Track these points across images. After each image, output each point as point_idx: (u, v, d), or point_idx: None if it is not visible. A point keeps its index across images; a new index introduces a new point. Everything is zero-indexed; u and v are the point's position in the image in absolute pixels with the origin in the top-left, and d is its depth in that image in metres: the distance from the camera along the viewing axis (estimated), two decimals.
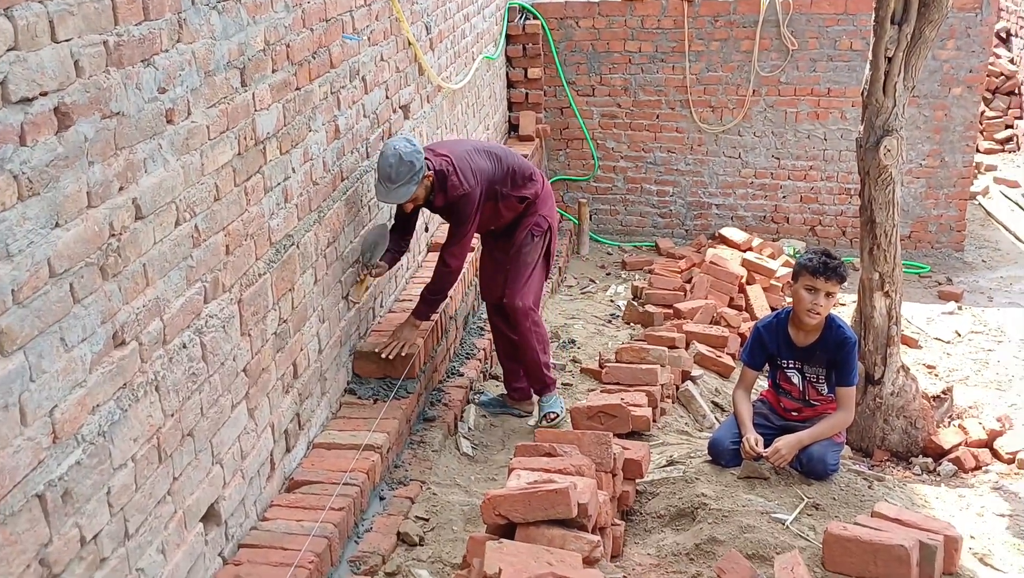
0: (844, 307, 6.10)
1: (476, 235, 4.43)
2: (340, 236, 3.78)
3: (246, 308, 2.91)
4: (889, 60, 4.07)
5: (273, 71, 3.11)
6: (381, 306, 4.40)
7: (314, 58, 3.47)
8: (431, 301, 4.14)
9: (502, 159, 4.30)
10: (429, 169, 3.91)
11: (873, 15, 4.12)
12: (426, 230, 5.31)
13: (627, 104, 7.80)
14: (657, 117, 7.81)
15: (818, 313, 3.58)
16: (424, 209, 4.31)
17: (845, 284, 3.73)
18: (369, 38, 4.12)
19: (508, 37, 7.52)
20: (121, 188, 2.25)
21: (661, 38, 7.59)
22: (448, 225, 4.22)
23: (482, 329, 5.08)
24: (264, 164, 3.06)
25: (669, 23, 7.54)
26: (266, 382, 3.08)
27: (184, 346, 2.53)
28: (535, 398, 4.54)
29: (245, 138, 2.91)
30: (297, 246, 3.32)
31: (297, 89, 3.32)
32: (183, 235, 2.55)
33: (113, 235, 2.21)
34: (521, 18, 7.61)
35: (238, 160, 2.87)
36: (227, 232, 2.80)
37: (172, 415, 2.48)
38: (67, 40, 2.02)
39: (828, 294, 3.57)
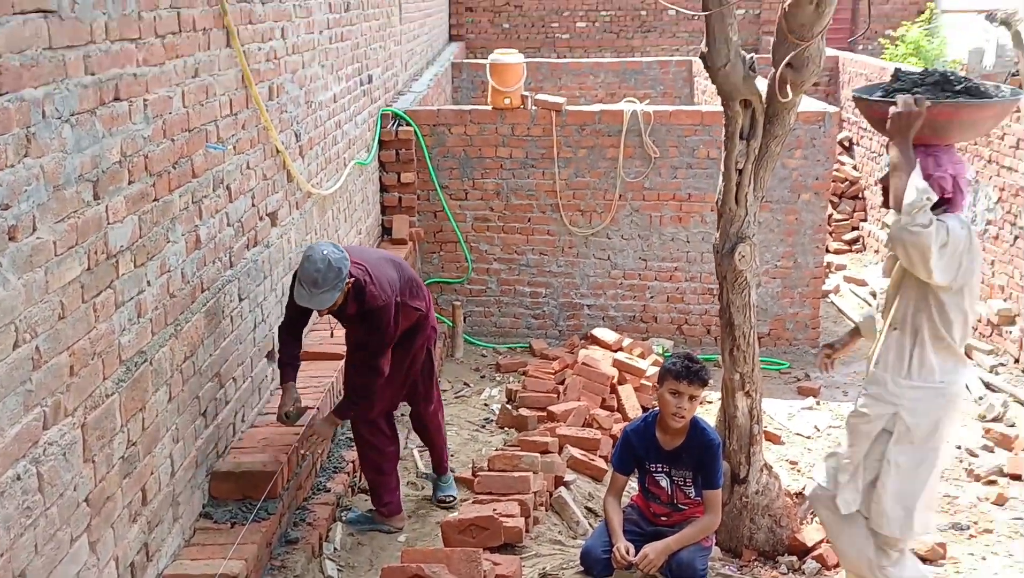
0: (712, 404, 6.25)
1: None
2: (199, 349, 3.65)
3: (90, 432, 2.75)
4: (740, 172, 4.29)
5: (130, 183, 3.03)
6: (243, 421, 4.24)
7: (175, 168, 3.40)
8: (356, 403, 4.18)
9: (403, 269, 4.35)
10: (349, 277, 3.90)
11: (724, 130, 4.35)
12: (331, 335, 5.24)
13: (499, 208, 7.94)
14: (529, 220, 7.97)
15: (682, 416, 3.66)
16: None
17: (708, 386, 3.82)
18: (235, 147, 4.08)
19: (381, 143, 7.59)
20: None
21: (531, 145, 7.81)
22: (351, 333, 4.24)
23: (350, 440, 4.96)
24: (116, 278, 2.94)
25: (538, 131, 7.78)
26: (111, 511, 2.89)
27: (18, 478, 2.36)
28: (433, 478, 4.80)
29: (96, 252, 2.80)
30: (150, 363, 3.18)
31: (155, 200, 3.24)
32: (22, 357, 2.40)
33: None
34: (394, 124, 7.71)
35: (87, 275, 2.75)
36: (72, 352, 2.66)
37: (1, 555, 2.29)
38: None
39: (691, 397, 3.66)
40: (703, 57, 4.09)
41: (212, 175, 3.79)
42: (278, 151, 4.65)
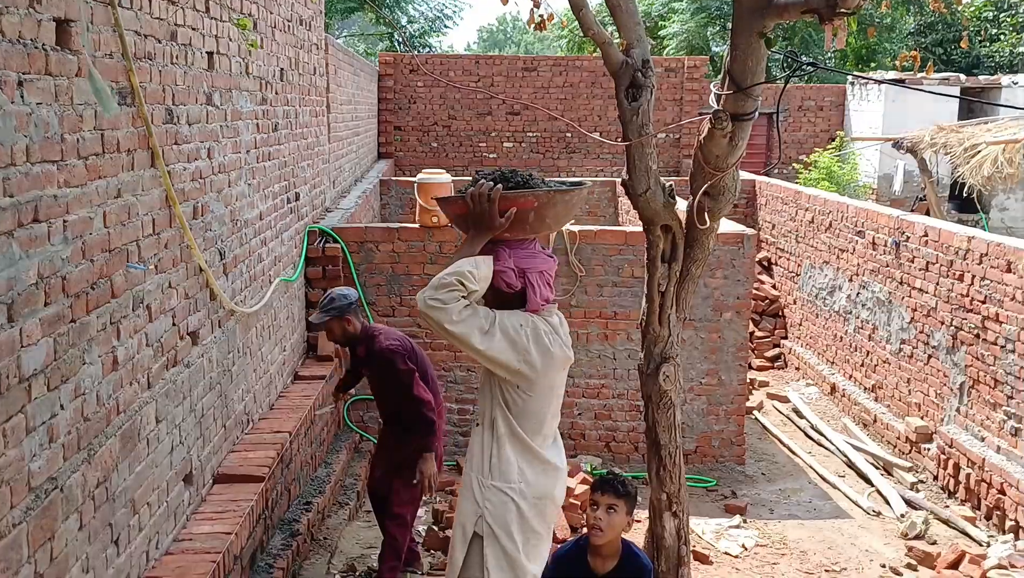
0: (640, 523, 6.21)
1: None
2: (112, 474, 3.51)
3: None
4: (662, 294, 4.39)
5: (45, 304, 2.96)
6: (157, 548, 4.05)
7: (93, 289, 3.34)
8: (427, 432, 4.98)
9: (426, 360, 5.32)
10: (353, 319, 5.16)
11: (646, 254, 4.47)
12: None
13: (426, 325, 7.93)
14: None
15: (600, 529, 3.61)
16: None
17: (627, 499, 3.65)
18: (157, 266, 4.03)
19: (308, 259, 7.58)
20: None
21: None
22: (372, 385, 5.33)
23: (271, 567, 4.77)
24: (28, 402, 2.84)
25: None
26: None
27: None
28: None
29: (7, 376, 2.71)
30: (61, 490, 3.04)
31: (72, 322, 3.16)
32: None
33: None
34: (321, 241, 7.73)
35: None
36: None
37: None
38: None
39: (608, 508, 3.61)
40: (624, 185, 4.23)
41: (132, 295, 3.73)
42: (201, 269, 4.60)
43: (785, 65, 16.30)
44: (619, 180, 4.36)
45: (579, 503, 6.54)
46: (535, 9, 3.92)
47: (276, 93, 6.50)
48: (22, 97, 2.79)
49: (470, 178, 3.33)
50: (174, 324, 4.28)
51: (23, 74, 2.80)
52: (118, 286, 3.58)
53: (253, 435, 5.58)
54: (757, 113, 3.90)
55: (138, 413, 3.82)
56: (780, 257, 12.29)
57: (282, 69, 6.73)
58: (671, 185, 4.27)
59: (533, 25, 4.01)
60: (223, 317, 5.09)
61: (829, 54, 22.68)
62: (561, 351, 3.33)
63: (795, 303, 11.65)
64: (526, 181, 3.30)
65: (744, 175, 14.08)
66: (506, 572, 3.28)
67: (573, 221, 3.66)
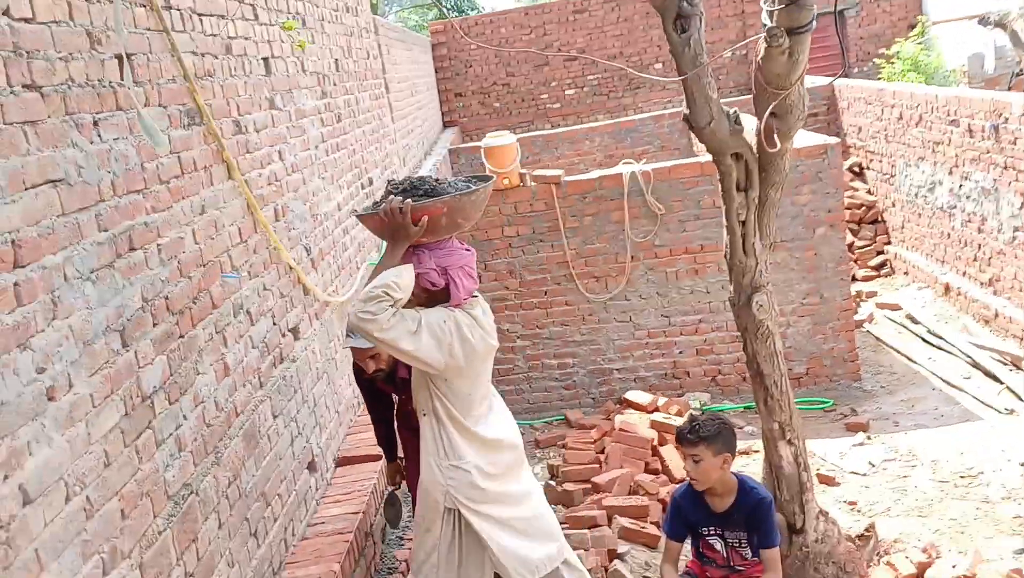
0: (758, 453, 6.20)
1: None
2: (241, 472, 3.71)
3: (148, 571, 2.80)
4: (743, 223, 4.35)
5: (154, 325, 3.13)
6: (293, 535, 4.27)
7: (195, 304, 3.51)
8: None
9: None
10: None
11: (719, 184, 4.43)
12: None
13: (514, 286, 8.03)
14: (545, 294, 8.05)
15: (695, 478, 3.66)
16: None
17: (708, 443, 3.64)
18: (249, 272, 4.19)
19: None
20: (6, 477, 2.20)
21: (536, 220, 7.94)
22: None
23: (400, 539, 4.96)
24: (153, 418, 3.02)
25: (541, 205, 7.92)
26: None
27: None
28: None
29: (131, 397, 2.89)
30: (196, 493, 3.24)
31: (181, 337, 3.33)
32: (74, 510, 2.47)
33: (1, 527, 2.14)
34: None
35: (126, 421, 2.83)
36: (121, 496, 2.73)
37: None
38: None
39: (693, 457, 3.64)
40: (686, 119, 4.19)
41: (231, 303, 3.90)
42: (291, 268, 4.76)
43: None
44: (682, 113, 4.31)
45: None
46: None
47: (334, 84, 6.61)
48: (99, 136, 2.93)
49: (397, 196, 3.38)
50: (275, 324, 4.45)
51: (96, 114, 2.93)
52: (217, 297, 3.75)
53: (364, 416, 5.77)
54: (815, 23, 3.80)
55: (255, 412, 4.01)
56: (872, 160, 11.88)
57: (336, 60, 6.83)
58: (735, 112, 4.21)
59: None
60: (319, 309, 5.27)
61: None
62: (483, 341, 3.51)
63: (894, 205, 11.28)
64: (434, 189, 3.46)
65: (821, 80, 13.62)
66: (497, 528, 3.52)
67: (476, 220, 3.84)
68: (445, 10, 24.54)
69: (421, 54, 14.69)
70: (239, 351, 3.92)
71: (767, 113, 4.00)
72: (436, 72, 16.65)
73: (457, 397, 3.52)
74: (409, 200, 3.35)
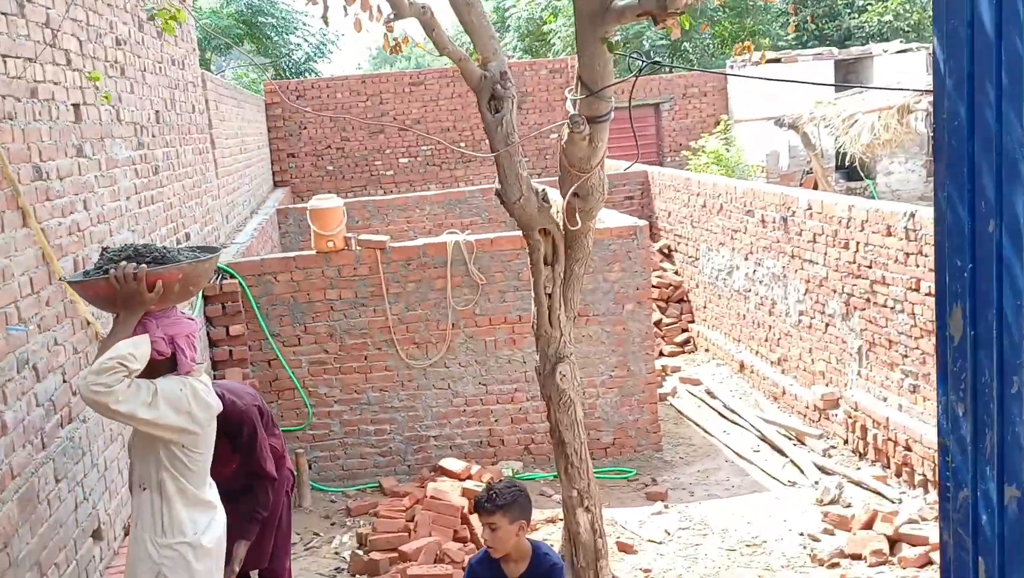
0: (557, 522, 6.33)
1: None
2: (13, 539, 3.46)
3: None
4: (549, 296, 4.52)
5: None
6: None
7: None
8: (259, 518, 4.25)
9: (262, 402, 4.47)
10: None
11: (528, 258, 4.59)
12: None
13: (334, 349, 7.94)
14: (366, 359, 8.00)
15: (492, 546, 3.72)
16: None
17: (504, 511, 3.63)
18: (40, 325, 3.98)
19: (205, 297, 7.51)
20: None
21: (359, 284, 7.91)
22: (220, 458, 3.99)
23: None
24: None
25: (365, 270, 7.91)
26: None
27: None
28: None
29: None
30: None
31: None
32: None
33: None
34: (217, 278, 7.65)
35: None
36: None
37: None
38: None
39: (490, 526, 3.69)
40: (498, 194, 4.35)
41: (15, 357, 3.68)
42: (88, 322, 4.55)
43: (629, 66, 16.70)
44: (494, 188, 4.47)
45: None
46: (388, 34, 4.01)
47: (153, 136, 6.44)
48: None
49: (127, 262, 3.27)
50: (64, 381, 4.23)
51: None
52: (0, 350, 3.54)
53: None
54: (612, 115, 4.06)
55: (35, 474, 3.76)
56: (679, 243, 12.62)
57: (157, 111, 6.67)
58: (544, 190, 4.40)
59: (389, 48, 4.11)
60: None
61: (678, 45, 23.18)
62: (218, 404, 3.53)
63: (697, 287, 11.98)
64: (164, 256, 3.43)
65: (637, 166, 14.39)
66: None
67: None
68: (283, 72, 24.41)
69: (254, 112, 14.51)
70: (20, 409, 3.70)
71: (570, 193, 4.21)
72: (269, 131, 16.46)
73: (195, 466, 3.44)
74: (144, 265, 3.26)
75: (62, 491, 4.05)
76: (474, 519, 6.37)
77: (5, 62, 3.92)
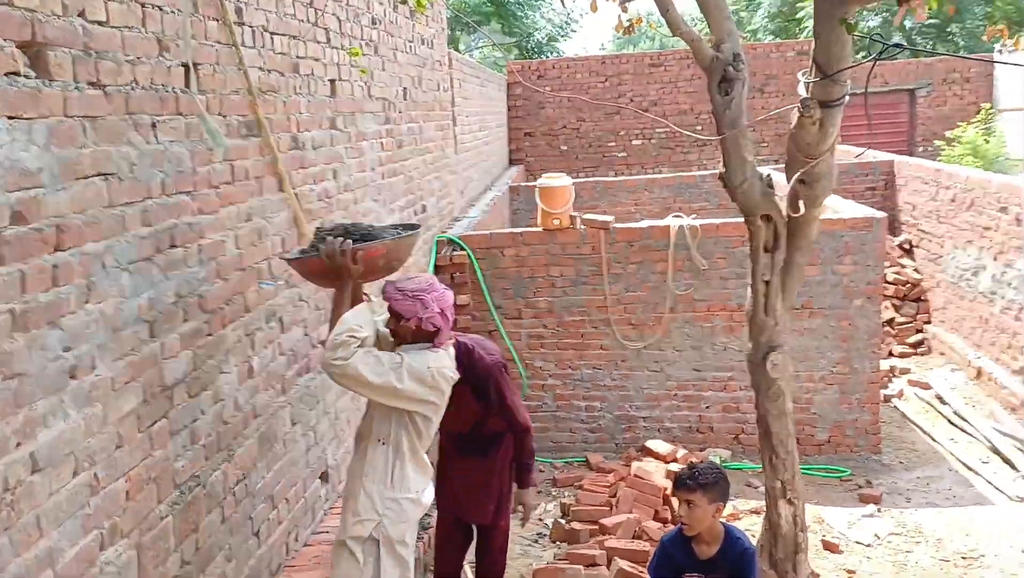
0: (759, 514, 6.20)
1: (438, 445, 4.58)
2: (252, 472, 3.88)
3: (145, 553, 2.97)
4: (766, 283, 4.43)
5: (184, 321, 3.33)
6: (296, 540, 4.42)
7: (228, 305, 3.70)
8: (532, 465, 4.53)
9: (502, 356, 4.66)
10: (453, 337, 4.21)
11: (748, 244, 4.52)
12: None
13: (552, 325, 8.15)
14: (582, 336, 8.15)
15: (686, 523, 3.73)
16: None
17: (704, 491, 3.68)
18: (287, 282, 4.39)
19: (437, 267, 7.92)
20: (19, 444, 2.38)
21: (581, 263, 8.06)
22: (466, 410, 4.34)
23: None
24: (171, 409, 3.21)
25: (588, 249, 8.04)
26: None
27: None
28: None
29: (152, 386, 3.08)
30: (203, 486, 3.41)
31: (209, 336, 3.53)
32: (80, 484, 2.65)
33: (7, 490, 2.32)
34: (449, 250, 8.06)
35: (143, 407, 3.01)
36: (128, 478, 2.90)
37: None
38: None
39: (688, 503, 3.71)
40: (721, 177, 4.31)
41: (264, 309, 4.09)
42: None
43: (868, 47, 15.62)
44: (717, 172, 4.44)
45: None
46: (622, 14, 4.06)
47: (400, 112, 6.86)
48: (156, 137, 3.16)
49: (337, 238, 3.45)
50: (306, 334, 4.64)
51: (156, 116, 3.16)
52: (251, 301, 3.95)
53: None
54: (847, 98, 3.90)
55: (274, 417, 4.18)
56: (922, 239, 11.83)
57: (405, 88, 7.08)
58: (768, 175, 4.32)
59: (622, 29, 4.15)
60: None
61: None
62: (456, 375, 3.70)
63: (938, 286, 11.20)
64: (369, 233, 3.63)
65: (882, 155, 13.60)
66: (399, 573, 3.60)
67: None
68: (526, 51, 25.01)
69: (495, 91, 15.01)
70: (266, 356, 4.11)
71: (795, 179, 4.10)
72: (509, 110, 16.96)
73: (429, 433, 3.65)
74: (350, 241, 3.49)
75: (296, 434, 4.47)
76: (675, 502, 6.37)
77: (273, 39, 4.33)
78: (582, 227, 8.08)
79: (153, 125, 3.14)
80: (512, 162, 17.01)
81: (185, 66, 3.43)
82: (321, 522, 4.77)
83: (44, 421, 2.49)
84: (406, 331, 3.59)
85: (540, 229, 8.17)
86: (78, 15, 2.71)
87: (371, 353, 3.44)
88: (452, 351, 3.72)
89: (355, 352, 3.38)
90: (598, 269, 8.04)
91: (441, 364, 3.59)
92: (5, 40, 2.38)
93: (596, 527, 5.94)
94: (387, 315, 3.69)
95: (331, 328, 3.53)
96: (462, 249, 8.07)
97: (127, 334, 2.92)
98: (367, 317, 3.53)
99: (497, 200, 11.60)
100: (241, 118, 3.93)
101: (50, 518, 2.50)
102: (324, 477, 4.86)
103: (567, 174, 8.91)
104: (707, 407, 8.03)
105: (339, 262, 3.48)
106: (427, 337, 3.60)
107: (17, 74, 2.43)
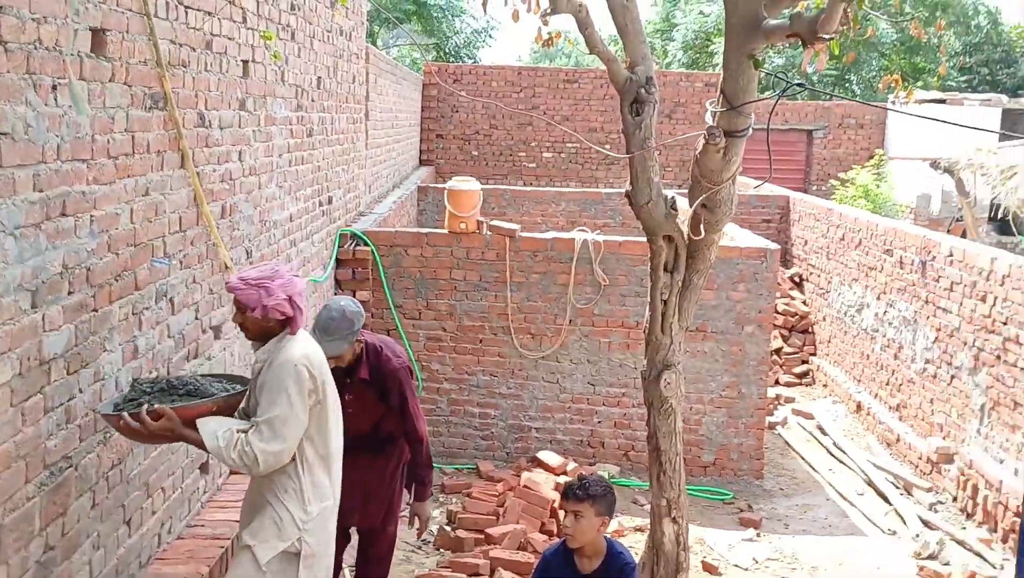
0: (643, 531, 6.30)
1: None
2: (128, 458, 3.72)
3: (6, 534, 2.80)
4: (664, 302, 4.52)
5: (69, 293, 3.17)
6: (170, 532, 4.26)
7: (116, 281, 3.55)
8: (430, 477, 4.53)
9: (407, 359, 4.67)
10: (361, 338, 4.27)
11: (649, 263, 4.60)
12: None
13: (451, 328, 8.13)
14: (480, 342, 8.15)
15: (570, 534, 3.74)
16: None
17: (592, 502, 3.67)
18: (182, 262, 4.24)
19: (339, 261, 7.81)
20: None
21: (485, 269, 8.06)
22: (364, 408, 4.36)
23: None
24: (47, 384, 3.05)
25: (492, 255, 8.05)
26: None
27: None
28: None
29: (29, 359, 2.92)
30: (75, 468, 3.25)
31: (94, 311, 3.37)
32: None
33: None
34: (352, 244, 7.95)
35: (17, 380, 2.86)
36: None
37: None
38: None
39: (575, 514, 3.73)
40: (628, 195, 4.37)
41: (155, 288, 3.94)
42: (227, 267, 4.81)
43: (772, 84, 16.24)
44: (623, 190, 4.50)
45: None
46: (542, 27, 4.09)
47: (312, 100, 6.74)
48: (55, 100, 3.01)
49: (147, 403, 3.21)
50: (197, 317, 4.49)
51: (58, 79, 3.01)
52: (142, 279, 3.80)
53: None
54: (750, 130, 4.02)
55: (155, 399, 4.01)
56: (811, 273, 12.28)
57: (319, 77, 6.97)
58: (673, 197, 4.40)
59: (541, 41, 4.19)
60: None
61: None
62: (318, 350, 3.54)
63: (825, 320, 11.64)
64: (196, 389, 3.44)
65: (779, 190, 14.08)
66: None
67: None
68: (445, 54, 24.98)
69: (410, 90, 14.92)
70: (152, 337, 3.96)
71: (698, 203, 4.19)
72: (423, 110, 16.89)
73: (328, 429, 3.50)
74: (156, 406, 3.22)
75: None
76: (561, 514, 6.41)
77: (187, 13, 4.20)
78: (488, 233, 8.09)
79: (54, 87, 3.00)
80: (422, 163, 16.94)
81: (93, 30, 3.29)
82: (197, 514, 4.61)
83: None
84: (254, 323, 3.44)
85: (446, 232, 8.14)
86: None
87: (257, 429, 3.27)
88: (304, 338, 3.52)
89: (250, 449, 3.22)
90: (501, 276, 8.06)
91: (307, 349, 3.44)
92: None
93: (481, 536, 5.93)
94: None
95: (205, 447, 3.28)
96: (366, 245, 7.97)
97: (6, 301, 2.77)
98: (219, 424, 3.29)
99: (404, 199, 11.52)
100: (147, 89, 3.78)
101: None
102: (204, 468, 4.70)
103: (477, 180, 8.91)
104: (599, 422, 8.13)
105: (163, 426, 3.21)
106: (278, 328, 3.46)
107: None
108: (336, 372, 4.17)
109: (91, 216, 3.31)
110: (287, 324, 3.47)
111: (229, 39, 4.81)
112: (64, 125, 3.08)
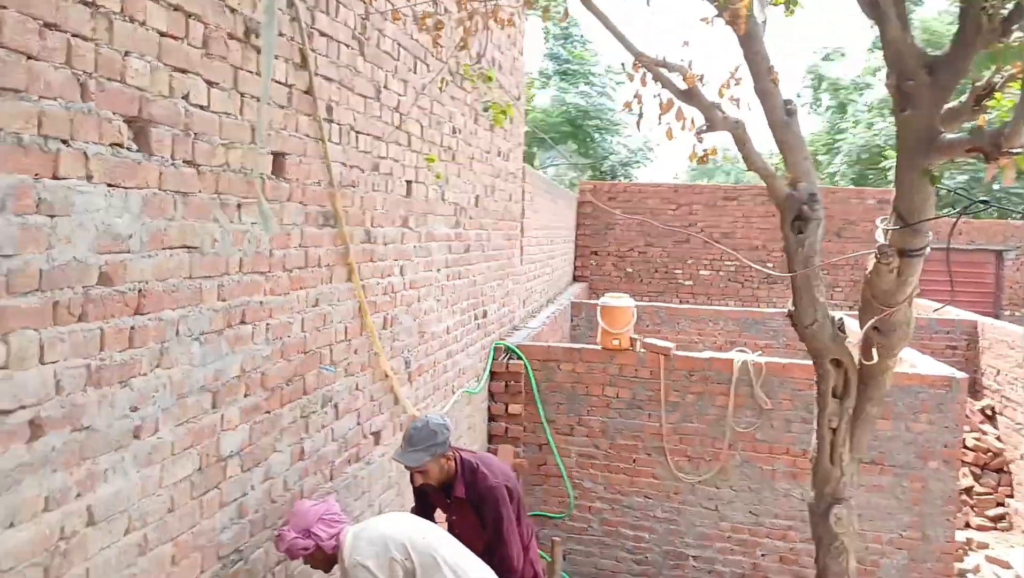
0: None
1: None
2: None
3: None
4: (833, 431, 4.29)
5: (245, 395, 3.35)
6: None
7: (287, 385, 3.73)
8: None
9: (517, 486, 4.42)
10: (450, 452, 4.08)
11: (816, 388, 4.41)
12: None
13: (604, 446, 8.00)
14: (634, 461, 7.97)
15: None
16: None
17: None
18: (346, 369, 4.41)
19: (492, 374, 7.89)
20: (79, 495, 2.40)
21: (638, 386, 7.95)
22: (465, 529, 4.14)
23: None
24: (223, 480, 3.20)
25: (646, 373, 7.93)
26: None
27: None
28: None
29: (208, 455, 3.08)
30: (245, 562, 3.36)
31: (267, 413, 3.54)
32: (131, 543, 2.65)
33: (62, 538, 2.33)
34: (506, 357, 8.04)
35: (198, 475, 3.02)
36: (176, 543, 2.89)
37: None
38: (52, 362, 2.28)
39: None
40: (790, 315, 4.24)
41: (322, 393, 4.11)
42: (387, 376, 4.96)
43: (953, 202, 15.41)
44: (786, 310, 4.38)
45: None
46: (697, 144, 4.11)
47: (470, 217, 6.98)
48: (240, 217, 3.25)
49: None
50: (358, 423, 4.63)
51: (243, 198, 3.26)
52: (310, 385, 3.97)
53: None
54: (927, 250, 3.84)
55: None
56: (1007, 407, 11.39)
57: (477, 196, 7.22)
58: (840, 319, 4.24)
59: (696, 158, 4.20)
60: (406, 421, 5.42)
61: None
62: (384, 552, 3.47)
63: (1023, 458, 10.72)
64: None
65: (965, 314, 13.31)
66: None
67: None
68: (600, 173, 25.48)
69: (565, 208, 15.23)
70: (318, 440, 4.10)
71: (869, 326, 4.02)
72: (577, 227, 17.15)
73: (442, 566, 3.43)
74: None
75: None
76: None
77: (358, 138, 4.48)
78: (642, 350, 8.01)
79: (238, 206, 3.24)
80: (576, 279, 17.09)
81: (275, 154, 3.56)
82: None
83: (105, 476, 2.51)
84: (308, 562, 3.58)
85: (599, 348, 8.12)
86: (183, 97, 2.85)
87: None
88: (353, 545, 3.52)
89: None
90: (655, 395, 7.92)
91: (348, 549, 3.47)
92: (115, 114, 2.51)
93: None
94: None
95: None
96: (519, 358, 8.04)
97: (191, 401, 2.95)
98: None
99: (558, 314, 11.61)
100: (320, 208, 4.03)
101: (98, 572, 2.49)
102: None
103: (630, 296, 8.88)
104: (763, 554, 7.71)
105: None
106: (323, 555, 3.53)
107: (120, 145, 2.55)
108: (437, 493, 4.21)
109: (267, 324, 3.51)
110: (319, 548, 3.52)
111: (395, 161, 5.08)
112: (247, 240, 3.31)
